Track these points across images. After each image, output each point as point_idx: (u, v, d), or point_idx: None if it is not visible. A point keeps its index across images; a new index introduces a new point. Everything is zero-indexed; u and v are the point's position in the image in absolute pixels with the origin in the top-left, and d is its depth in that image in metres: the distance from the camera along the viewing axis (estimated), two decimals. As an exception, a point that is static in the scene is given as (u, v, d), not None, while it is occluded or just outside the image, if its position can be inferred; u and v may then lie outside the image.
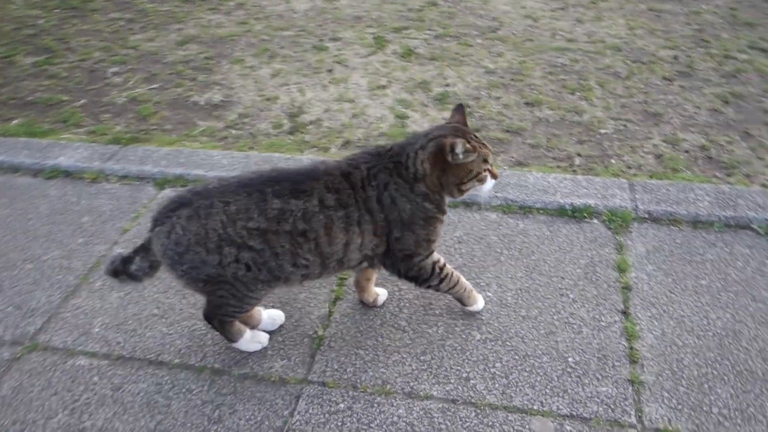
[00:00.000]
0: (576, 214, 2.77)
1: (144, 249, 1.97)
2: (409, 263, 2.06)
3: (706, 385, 2.05)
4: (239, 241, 1.83)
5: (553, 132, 3.41)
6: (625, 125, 3.43)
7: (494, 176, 2.00)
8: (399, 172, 1.94)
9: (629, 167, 3.09)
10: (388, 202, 1.94)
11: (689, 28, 4.58)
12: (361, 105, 3.74)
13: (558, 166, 3.12)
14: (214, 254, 1.84)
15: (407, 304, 2.39)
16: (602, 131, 3.39)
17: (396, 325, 2.30)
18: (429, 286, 2.16)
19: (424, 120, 3.55)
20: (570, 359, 2.16)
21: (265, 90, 3.96)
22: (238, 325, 2.15)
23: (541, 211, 2.82)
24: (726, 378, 2.07)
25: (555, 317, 2.31)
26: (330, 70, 4.16)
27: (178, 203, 1.86)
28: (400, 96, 3.81)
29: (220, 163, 3.17)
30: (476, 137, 1.98)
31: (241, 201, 1.84)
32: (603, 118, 3.50)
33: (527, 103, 3.68)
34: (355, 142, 3.37)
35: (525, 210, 2.83)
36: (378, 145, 2.05)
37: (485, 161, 1.96)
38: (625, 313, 2.32)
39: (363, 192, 1.92)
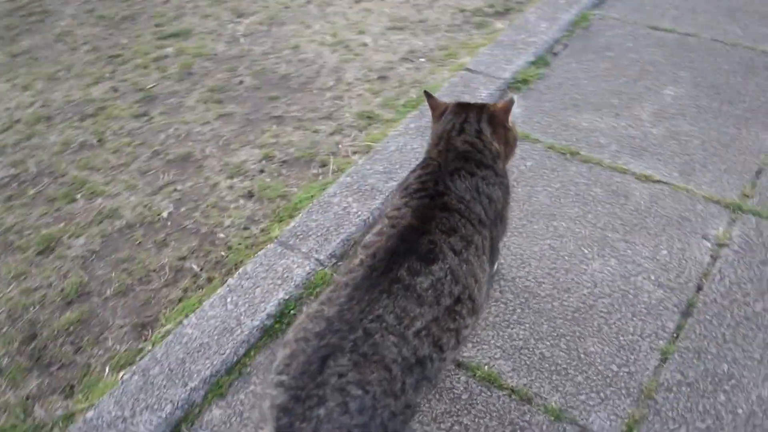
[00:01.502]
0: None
1: None
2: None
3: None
4: (417, 357, 1.33)
5: (125, 269, 2.42)
6: (162, 214, 2.69)
7: None
8: (479, 163, 1.67)
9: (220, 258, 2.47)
10: (487, 203, 1.64)
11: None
12: None
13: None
14: (402, 395, 1.28)
15: None
16: (161, 219, 2.59)
17: None
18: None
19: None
20: None
21: None
22: None
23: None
24: (580, 334, 1.95)
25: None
26: None
27: (319, 355, 1.23)
28: None
29: None
30: None
31: (389, 304, 1.34)
32: (132, 208, 2.66)
33: (40, 252, 2.50)
34: None
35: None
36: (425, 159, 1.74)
37: None
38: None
39: (468, 210, 1.58)
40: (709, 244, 2.17)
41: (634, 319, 1.98)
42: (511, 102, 1.76)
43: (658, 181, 2.41)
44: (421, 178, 1.65)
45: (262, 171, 2.73)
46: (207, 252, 2.41)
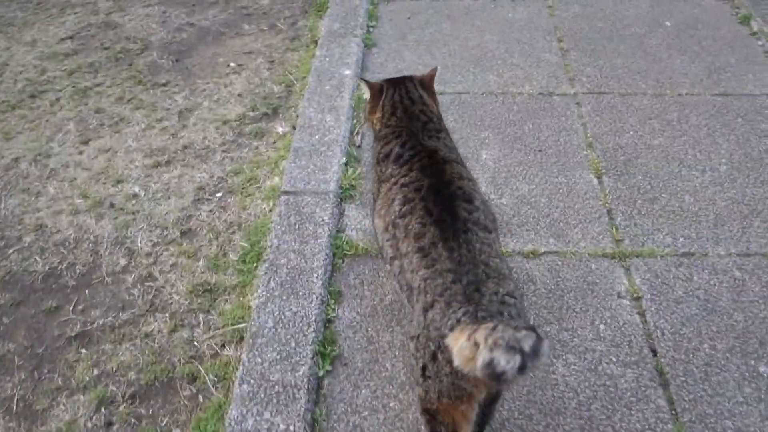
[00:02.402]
0: None
1: None
2: None
3: None
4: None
5: None
6: None
7: None
8: (437, 127, 2.01)
9: None
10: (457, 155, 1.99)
11: None
12: None
13: None
14: None
15: None
16: None
17: None
18: None
19: None
20: None
21: None
22: None
23: None
24: None
25: None
26: None
27: (470, 291, 1.50)
28: None
29: None
30: None
31: (477, 239, 1.63)
32: None
33: None
34: None
35: None
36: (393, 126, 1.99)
37: None
38: None
39: (457, 156, 1.95)
40: (627, 302, 2.23)
41: (632, 410, 1.92)
42: (435, 70, 2.18)
43: (545, 253, 2.40)
44: (405, 146, 1.90)
45: (110, 424, 1.95)
46: None
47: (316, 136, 2.90)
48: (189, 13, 3.97)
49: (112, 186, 2.78)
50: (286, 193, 2.63)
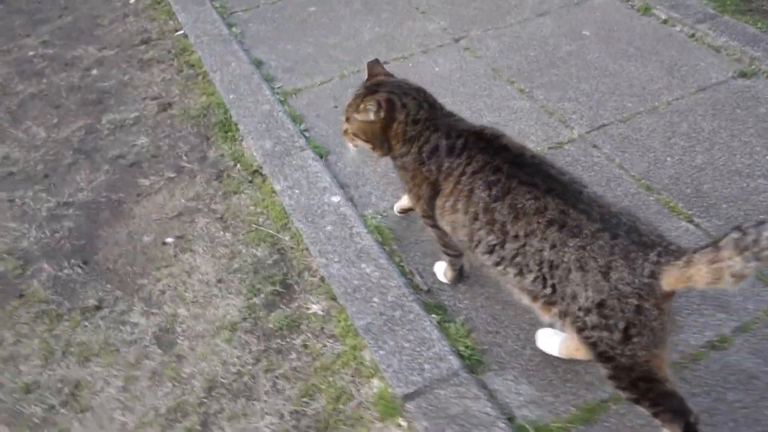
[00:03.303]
0: None
1: None
2: None
3: None
4: None
5: None
6: None
7: None
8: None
9: None
10: None
11: None
12: None
13: None
14: None
15: None
16: None
17: None
18: None
19: None
20: None
21: None
22: None
23: None
24: None
25: None
26: None
27: (633, 244, 1.55)
28: None
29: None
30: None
31: (588, 192, 1.68)
32: None
33: None
34: None
35: None
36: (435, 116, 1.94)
37: None
38: None
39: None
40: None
41: None
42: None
43: (732, 335, 2.05)
44: (451, 136, 1.84)
45: None
46: None
47: (375, 300, 2.20)
48: (51, 191, 2.87)
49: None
50: (408, 398, 1.92)
